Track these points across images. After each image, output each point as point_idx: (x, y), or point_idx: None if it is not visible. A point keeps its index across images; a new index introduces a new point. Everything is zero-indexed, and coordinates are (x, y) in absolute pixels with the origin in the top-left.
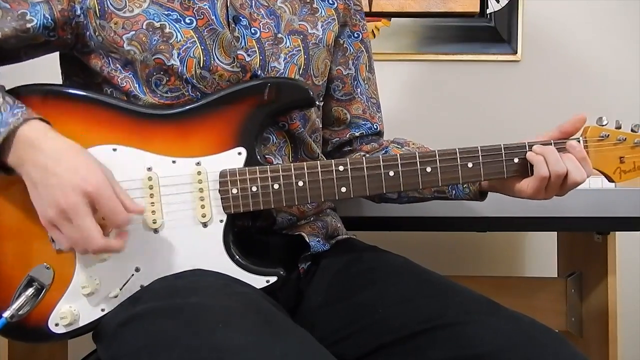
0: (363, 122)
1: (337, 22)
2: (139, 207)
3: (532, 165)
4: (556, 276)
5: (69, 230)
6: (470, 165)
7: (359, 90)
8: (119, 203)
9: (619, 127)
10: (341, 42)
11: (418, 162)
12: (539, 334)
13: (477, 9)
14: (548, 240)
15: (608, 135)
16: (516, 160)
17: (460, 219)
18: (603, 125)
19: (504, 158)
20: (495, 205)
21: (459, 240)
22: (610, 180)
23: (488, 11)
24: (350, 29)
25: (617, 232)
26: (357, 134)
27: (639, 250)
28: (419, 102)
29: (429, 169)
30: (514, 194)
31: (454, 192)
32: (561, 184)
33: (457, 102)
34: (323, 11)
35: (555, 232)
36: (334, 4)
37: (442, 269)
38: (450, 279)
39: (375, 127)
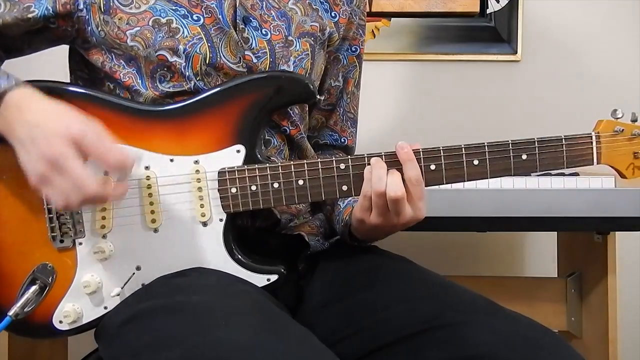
0: (331, 133)
1: (337, 35)
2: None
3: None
4: (556, 276)
5: (61, 182)
6: (476, 162)
7: (340, 102)
8: (109, 143)
9: (634, 120)
10: (339, 56)
11: (422, 159)
12: (538, 335)
13: (477, 9)
14: (548, 240)
15: (622, 129)
16: (524, 156)
17: (460, 219)
18: (617, 119)
19: (511, 154)
20: (495, 205)
21: (459, 240)
22: (622, 176)
23: (488, 11)
24: (349, 42)
25: (617, 232)
26: (320, 142)
27: (639, 250)
28: (418, 102)
29: (433, 167)
30: (359, 226)
31: (337, 226)
32: (386, 204)
33: (457, 102)
34: (325, 22)
35: (555, 232)
36: (335, 17)
37: (442, 269)
38: (450, 279)
39: (342, 140)
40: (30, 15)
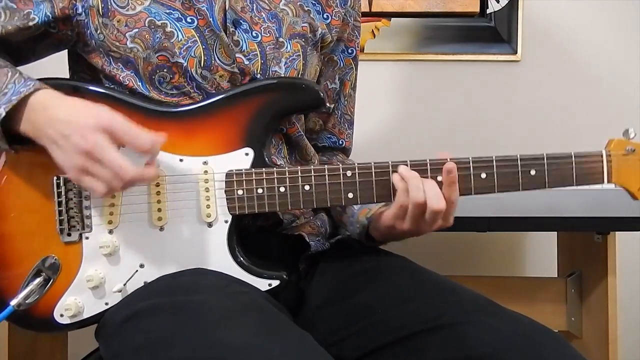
0: (329, 135)
1: (330, 36)
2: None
3: (394, 190)
4: (556, 276)
5: (100, 171)
6: (483, 175)
7: (337, 104)
8: (136, 128)
9: None
10: (334, 57)
11: (429, 170)
12: (539, 335)
13: (477, 9)
14: (548, 240)
15: (634, 149)
16: (533, 172)
17: (460, 219)
18: (630, 139)
19: (519, 170)
20: (495, 205)
21: (459, 240)
22: (633, 197)
23: (488, 11)
24: (345, 44)
25: (617, 232)
26: (319, 145)
27: (639, 250)
28: (418, 102)
29: (440, 178)
30: (385, 230)
31: (350, 227)
32: (422, 214)
33: (457, 102)
34: (317, 23)
35: (555, 232)
36: (327, 19)
37: (442, 269)
38: (450, 279)
39: (340, 142)
40: (31, 23)
